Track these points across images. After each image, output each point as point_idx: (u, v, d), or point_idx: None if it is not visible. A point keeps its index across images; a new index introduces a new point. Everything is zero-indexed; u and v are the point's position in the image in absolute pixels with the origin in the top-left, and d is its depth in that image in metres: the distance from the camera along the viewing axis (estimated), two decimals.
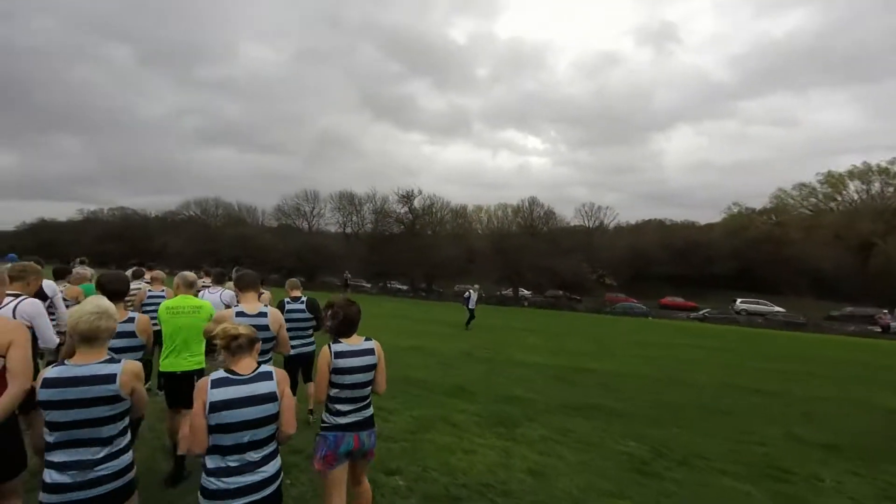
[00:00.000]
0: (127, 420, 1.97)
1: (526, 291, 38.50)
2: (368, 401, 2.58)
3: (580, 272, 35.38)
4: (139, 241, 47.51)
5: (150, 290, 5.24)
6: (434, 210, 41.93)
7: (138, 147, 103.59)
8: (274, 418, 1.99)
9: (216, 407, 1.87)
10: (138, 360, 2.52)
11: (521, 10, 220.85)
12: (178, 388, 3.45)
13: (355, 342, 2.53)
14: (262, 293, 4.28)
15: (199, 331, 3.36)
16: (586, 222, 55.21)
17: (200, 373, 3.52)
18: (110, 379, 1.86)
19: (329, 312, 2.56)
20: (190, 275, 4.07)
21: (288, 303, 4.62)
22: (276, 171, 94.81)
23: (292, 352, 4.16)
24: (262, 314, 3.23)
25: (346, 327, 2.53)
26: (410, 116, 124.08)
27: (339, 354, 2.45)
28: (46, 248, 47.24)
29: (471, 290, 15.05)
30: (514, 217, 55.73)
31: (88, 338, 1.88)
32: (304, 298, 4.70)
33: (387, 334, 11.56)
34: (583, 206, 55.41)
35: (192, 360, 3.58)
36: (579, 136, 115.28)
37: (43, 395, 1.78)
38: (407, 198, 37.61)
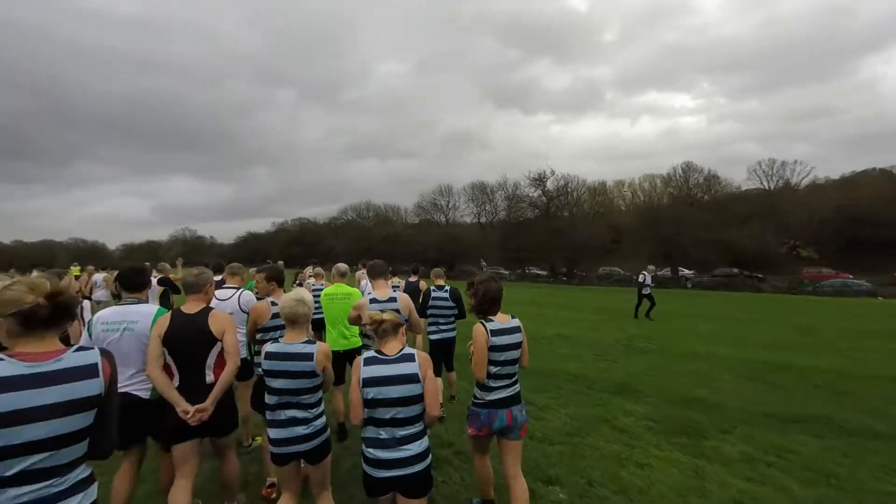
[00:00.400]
0: (320, 392, 2.43)
1: (687, 271, 33.26)
2: (517, 377, 2.69)
3: (765, 243, 28.53)
4: (313, 244, 56.71)
5: (313, 284, 6.35)
6: (569, 190, 39.34)
7: (306, 167, 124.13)
8: (418, 399, 2.12)
9: (367, 383, 2.09)
10: None
11: None
12: (337, 366, 3.75)
13: (504, 320, 2.62)
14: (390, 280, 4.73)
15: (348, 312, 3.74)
16: (765, 183, 44.91)
17: (357, 352, 3.86)
18: (309, 357, 2.31)
19: (471, 291, 2.71)
20: (342, 266, 4.64)
21: (433, 291, 4.83)
22: (413, 174, 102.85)
23: (434, 337, 4.66)
24: (392, 299, 3.54)
25: (488, 304, 2.63)
26: (534, 99, 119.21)
27: (494, 332, 2.54)
28: (253, 255, 60.40)
29: (645, 272, 12.84)
30: (665, 187, 49.01)
31: (291, 320, 2.40)
32: (447, 287, 4.86)
33: (528, 322, 10.81)
34: (758, 164, 44.96)
35: (346, 340, 4.01)
36: (743, 83, 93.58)
37: (265, 364, 2.34)
38: (539, 180, 36.07)
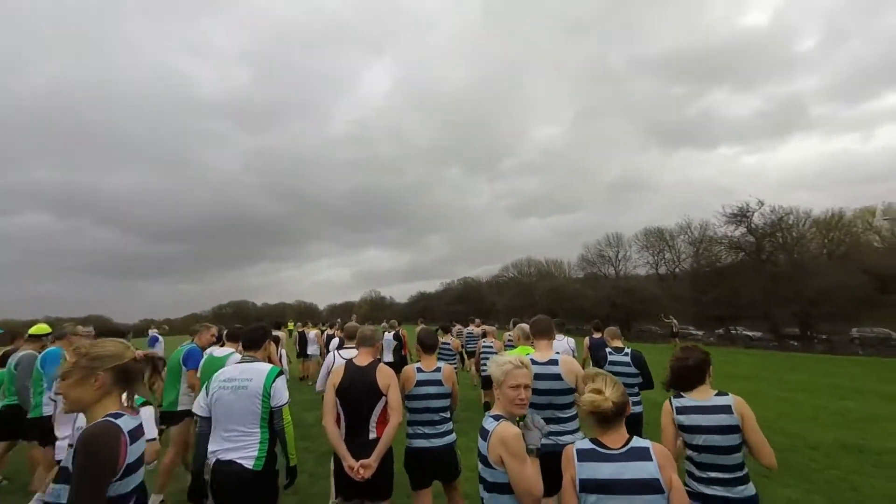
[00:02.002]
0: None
1: None
2: (741, 474, 2.12)
3: None
4: (475, 301, 57.90)
5: (484, 341, 7.22)
6: (786, 225, 30.14)
7: (474, 231, 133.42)
8: None
9: (587, 486, 1.66)
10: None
11: None
12: None
13: (702, 397, 2.24)
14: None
15: None
16: None
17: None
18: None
19: (672, 367, 2.39)
20: (525, 326, 4.04)
21: (610, 354, 4.23)
22: (576, 227, 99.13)
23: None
24: (553, 362, 2.96)
25: (681, 378, 2.33)
26: (711, 132, 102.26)
27: (680, 410, 2.24)
28: (423, 311, 65.15)
29: None
30: None
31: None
32: (627, 350, 4.26)
33: (787, 417, 7.51)
34: None
35: None
36: None
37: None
38: (741, 216, 28.75)
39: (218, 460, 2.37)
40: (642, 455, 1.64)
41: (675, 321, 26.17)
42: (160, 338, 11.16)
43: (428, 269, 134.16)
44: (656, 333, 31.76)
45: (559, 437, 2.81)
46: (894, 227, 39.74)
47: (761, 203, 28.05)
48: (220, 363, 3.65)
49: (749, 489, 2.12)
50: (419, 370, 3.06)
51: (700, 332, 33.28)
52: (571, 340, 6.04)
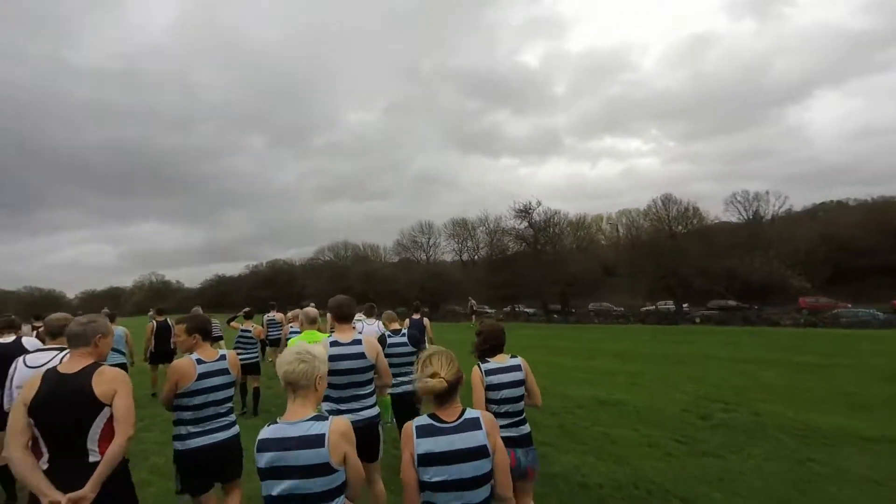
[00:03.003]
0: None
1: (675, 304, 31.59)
2: (522, 416, 2.71)
3: (774, 272, 27.16)
4: (285, 286, 53.18)
5: (291, 327, 6.32)
6: (553, 223, 38.07)
7: (280, 210, 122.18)
8: (487, 478, 1.77)
9: (425, 460, 1.75)
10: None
11: (592, 20, 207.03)
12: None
13: (501, 360, 2.74)
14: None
15: None
16: (743, 214, 45.34)
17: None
18: (318, 442, 1.76)
19: (479, 338, 2.83)
20: (312, 310, 4.34)
21: (389, 336, 4.37)
22: (387, 214, 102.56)
23: (397, 390, 4.04)
24: (357, 341, 3.13)
25: (490, 347, 2.77)
26: (498, 144, 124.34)
27: (489, 372, 2.66)
28: (220, 299, 55.87)
29: None
30: (644, 220, 49.03)
31: (292, 384, 1.83)
32: (404, 331, 4.44)
33: (550, 380, 8.68)
34: (733, 195, 45.53)
35: None
36: (687, 129, 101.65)
37: (262, 460, 1.78)
38: (525, 212, 34.52)
39: None
40: (474, 425, 1.77)
41: (473, 301, 29.63)
42: None
43: (228, 249, 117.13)
44: (459, 313, 35.39)
45: (359, 413, 3.01)
46: (612, 230, 55.48)
47: (539, 203, 34.47)
48: None
49: (526, 427, 2.70)
50: (198, 361, 2.79)
51: (493, 311, 38.83)
52: (382, 324, 5.92)
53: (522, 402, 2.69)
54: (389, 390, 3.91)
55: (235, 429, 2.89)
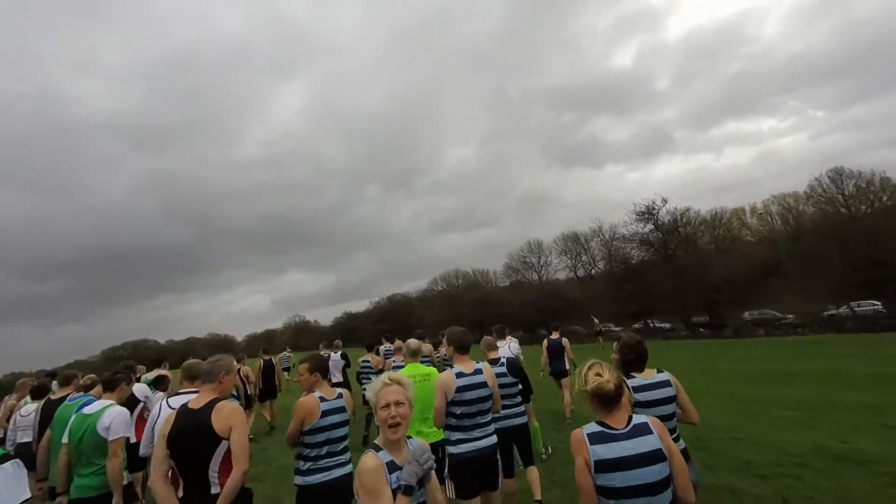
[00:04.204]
0: None
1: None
2: (676, 435, 2.56)
3: None
4: (403, 317, 55.44)
5: (394, 361, 6.45)
6: (684, 222, 32.67)
7: (398, 248, 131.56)
8: (667, 483, 1.80)
9: (603, 466, 1.77)
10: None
11: (686, 3, 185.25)
12: None
13: (649, 375, 2.60)
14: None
15: (431, 400, 3.37)
16: None
17: (439, 445, 3.35)
18: None
19: (620, 352, 2.71)
20: (414, 342, 4.19)
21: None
22: (497, 240, 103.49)
23: (497, 424, 3.54)
24: (478, 371, 3.19)
25: (636, 361, 2.64)
26: (600, 153, 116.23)
27: (637, 389, 2.51)
28: (349, 333, 60.94)
29: None
30: (806, 204, 39.54)
31: None
32: (503, 360, 3.93)
33: (746, 419, 6.40)
34: None
35: (424, 435, 3.47)
36: (840, 92, 79.66)
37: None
38: (648, 213, 30.40)
39: None
40: (644, 430, 1.80)
41: (596, 320, 26.45)
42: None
43: (355, 289, 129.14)
44: (581, 333, 32.11)
45: (482, 441, 3.07)
46: (761, 222, 46.01)
47: (665, 200, 29.95)
48: (93, 421, 3.18)
49: (681, 444, 2.52)
50: (321, 399, 2.89)
51: (619, 328, 34.47)
52: (515, 345, 6.09)
53: (675, 420, 2.58)
54: (495, 424, 3.68)
55: (349, 466, 2.96)
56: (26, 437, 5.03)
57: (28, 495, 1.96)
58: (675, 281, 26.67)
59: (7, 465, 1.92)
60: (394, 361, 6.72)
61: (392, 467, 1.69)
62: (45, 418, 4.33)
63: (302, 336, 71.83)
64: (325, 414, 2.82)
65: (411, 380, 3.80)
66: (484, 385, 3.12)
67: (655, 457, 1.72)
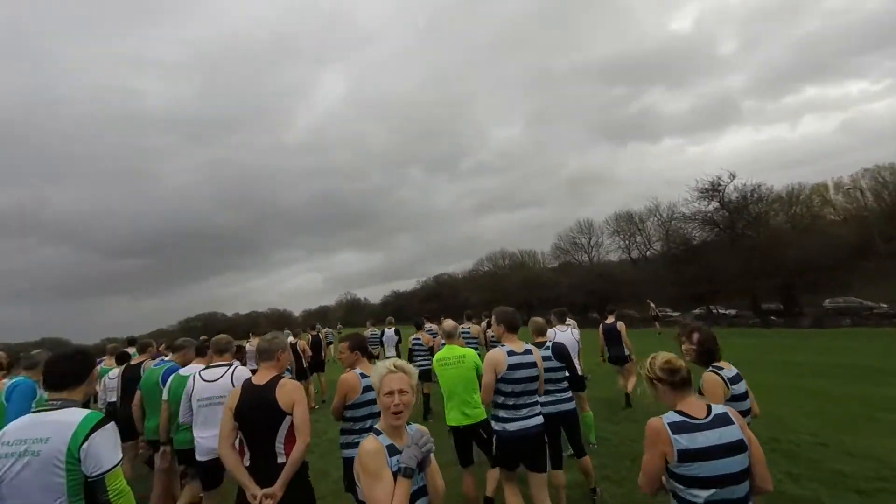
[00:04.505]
0: None
1: None
2: None
3: None
4: (449, 297, 55.97)
5: (442, 340, 5.77)
6: (755, 199, 29.39)
7: (443, 229, 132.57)
8: (747, 474, 1.82)
9: (687, 456, 1.78)
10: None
11: None
12: (461, 444, 3.71)
13: (729, 368, 2.53)
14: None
15: (468, 381, 3.64)
16: None
17: (482, 426, 3.56)
18: None
19: (688, 337, 2.65)
20: (449, 323, 4.34)
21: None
22: (543, 220, 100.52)
23: (544, 409, 3.58)
24: (528, 351, 3.23)
25: (713, 351, 2.57)
26: (656, 127, 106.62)
27: (733, 380, 2.46)
28: (397, 312, 62.55)
29: None
30: None
31: None
32: (549, 344, 3.90)
33: (840, 425, 5.60)
34: None
35: (468, 416, 3.61)
36: None
37: None
38: (713, 190, 27.89)
39: None
40: (726, 420, 1.80)
41: (653, 304, 24.98)
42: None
43: (401, 268, 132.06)
44: (635, 318, 30.60)
45: (529, 420, 3.12)
46: (848, 198, 40.75)
47: (733, 176, 27.26)
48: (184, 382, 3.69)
49: None
50: (362, 375, 2.98)
51: (677, 314, 32.47)
52: (577, 331, 5.91)
53: (750, 415, 2.51)
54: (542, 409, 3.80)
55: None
56: (112, 398, 5.82)
57: (121, 455, 1.95)
58: (743, 263, 24.30)
59: (108, 426, 1.91)
60: (442, 340, 7.06)
61: (392, 451, 1.74)
62: (127, 381, 4.91)
63: (353, 313, 74.94)
64: (366, 389, 2.91)
65: (447, 361, 3.68)
66: (534, 365, 3.16)
67: (738, 447, 1.74)
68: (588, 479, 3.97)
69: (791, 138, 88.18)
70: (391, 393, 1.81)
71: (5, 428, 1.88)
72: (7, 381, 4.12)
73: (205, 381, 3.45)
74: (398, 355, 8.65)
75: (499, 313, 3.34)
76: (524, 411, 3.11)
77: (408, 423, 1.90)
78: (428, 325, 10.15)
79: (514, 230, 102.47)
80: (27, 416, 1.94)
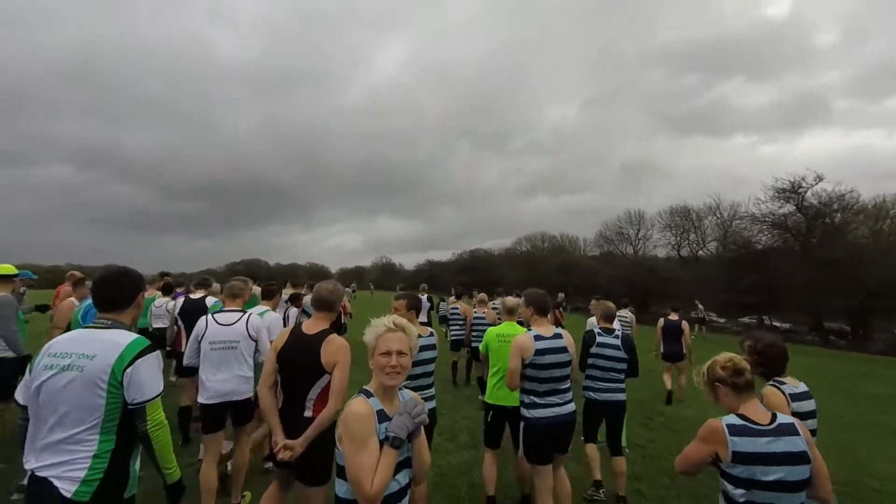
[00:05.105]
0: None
1: None
2: None
3: None
4: (483, 272, 55.60)
5: (475, 311, 6.98)
6: (838, 208, 26.09)
7: (485, 205, 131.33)
8: (806, 484, 1.78)
9: (740, 458, 1.75)
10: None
11: None
12: (496, 423, 3.56)
13: (796, 383, 2.36)
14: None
15: None
16: None
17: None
18: None
19: (752, 347, 2.40)
20: (511, 300, 4.05)
21: (599, 335, 3.84)
22: (588, 207, 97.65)
23: (596, 396, 3.80)
24: (558, 335, 3.13)
25: (779, 362, 2.37)
26: (726, 121, 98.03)
27: (795, 397, 2.27)
28: (429, 279, 63.20)
29: None
30: None
31: None
32: (618, 332, 3.88)
33: None
34: None
35: (513, 395, 3.42)
36: None
37: None
38: (793, 192, 25.07)
39: (33, 478, 1.66)
40: (791, 430, 1.74)
41: (701, 306, 23.29)
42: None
43: (438, 239, 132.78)
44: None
45: (561, 408, 3.03)
46: None
47: (819, 178, 24.26)
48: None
49: None
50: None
51: (723, 320, 30.35)
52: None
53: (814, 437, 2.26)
54: (594, 395, 3.83)
55: (433, 402, 3.18)
56: (159, 324, 6.14)
57: (163, 385, 1.89)
58: (813, 275, 21.88)
59: (153, 354, 1.86)
60: (475, 312, 7.05)
61: (382, 417, 1.60)
62: (185, 311, 5.03)
63: (387, 276, 76.45)
64: (422, 349, 2.92)
65: (505, 340, 3.50)
66: (564, 350, 3.07)
67: (801, 458, 1.69)
68: (617, 483, 3.72)
69: (886, 147, 77.54)
70: (388, 353, 1.66)
71: (54, 339, 1.85)
72: (85, 302, 4.28)
73: (219, 324, 3.36)
74: (429, 322, 8.48)
75: (529, 295, 3.29)
76: (555, 398, 3.03)
77: (399, 389, 1.76)
78: (492, 302, 9.74)
79: (556, 214, 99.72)
80: (77, 330, 1.92)
